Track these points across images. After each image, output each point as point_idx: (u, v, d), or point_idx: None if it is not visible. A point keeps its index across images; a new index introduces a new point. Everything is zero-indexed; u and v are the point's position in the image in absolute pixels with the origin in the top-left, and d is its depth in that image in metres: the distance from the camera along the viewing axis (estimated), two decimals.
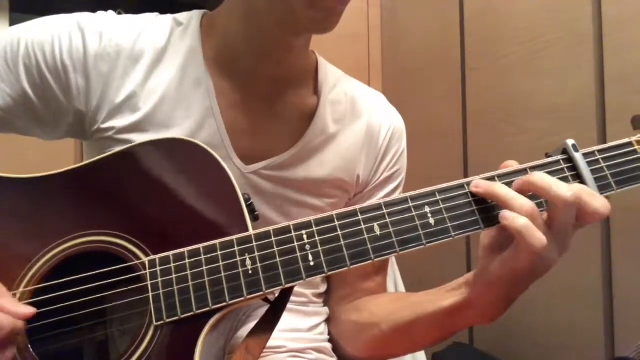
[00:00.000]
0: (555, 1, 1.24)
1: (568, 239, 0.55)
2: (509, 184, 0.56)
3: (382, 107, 0.84)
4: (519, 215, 0.53)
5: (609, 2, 1.14)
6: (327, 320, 0.84)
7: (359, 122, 0.80)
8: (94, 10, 0.74)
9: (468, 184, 0.57)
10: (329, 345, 0.82)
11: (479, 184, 0.57)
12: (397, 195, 0.82)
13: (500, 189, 0.55)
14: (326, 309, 0.84)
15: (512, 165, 0.59)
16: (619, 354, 1.08)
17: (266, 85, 0.74)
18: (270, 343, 0.59)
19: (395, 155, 0.83)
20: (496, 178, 0.57)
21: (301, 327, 0.80)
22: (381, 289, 0.83)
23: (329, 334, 0.84)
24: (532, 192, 0.55)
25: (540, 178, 0.54)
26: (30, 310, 0.53)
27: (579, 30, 1.18)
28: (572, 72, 1.20)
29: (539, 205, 0.55)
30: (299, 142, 0.75)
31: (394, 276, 0.95)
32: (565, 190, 0.53)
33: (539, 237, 0.52)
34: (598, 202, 0.54)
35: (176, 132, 0.70)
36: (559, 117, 1.23)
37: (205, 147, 0.62)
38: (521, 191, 0.55)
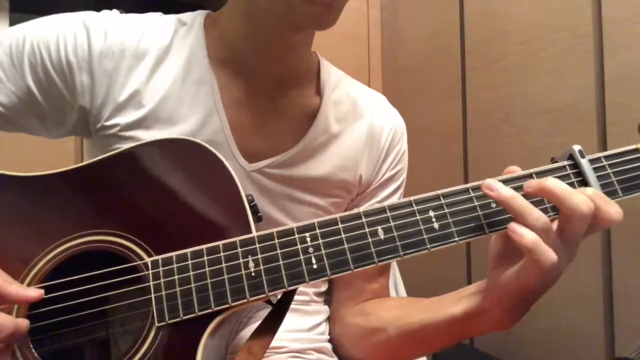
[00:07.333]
0: (555, 1, 1.24)
1: (577, 247, 0.55)
2: (516, 189, 0.55)
3: (384, 108, 0.85)
4: (528, 231, 0.52)
5: (609, 2, 1.13)
6: (328, 320, 0.84)
7: (361, 122, 0.80)
8: (93, 10, 0.74)
9: (473, 188, 0.57)
10: (329, 346, 0.82)
11: (493, 187, 0.54)
12: (398, 195, 0.84)
13: (517, 201, 0.53)
14: (326, 308, 0.85)
15: (516, 171, 0.58)
16: (619, 354, 1.08)
17: (269, 83, 0.74)
18: (272, 343, 0.59)
19: (397, 156, 0.83)
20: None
21: (302, 327, 0.80)
22: (385, 291, 0.83)
23: (330, 334, 0.84)
24: (545, 198, 0.54)
25: (555, 185, 0.53)
26: (38, 293, 0.53)
27: (579, 30, 1.18)
28: (572, 72, 1.19)
29: (544, 210, 0.54)
30: (302, 141, 0.76)
31: (394, 278, 0.95)
32: (582, 201, 0.51)
33: (549, 256, 0.51)
34: (612, 208, 0.53)
35: (180, 128, 0.70)
36: (559, 117, 1.22)
37: (210, 147, 0.62)
38: (531, 195, 0.54)
